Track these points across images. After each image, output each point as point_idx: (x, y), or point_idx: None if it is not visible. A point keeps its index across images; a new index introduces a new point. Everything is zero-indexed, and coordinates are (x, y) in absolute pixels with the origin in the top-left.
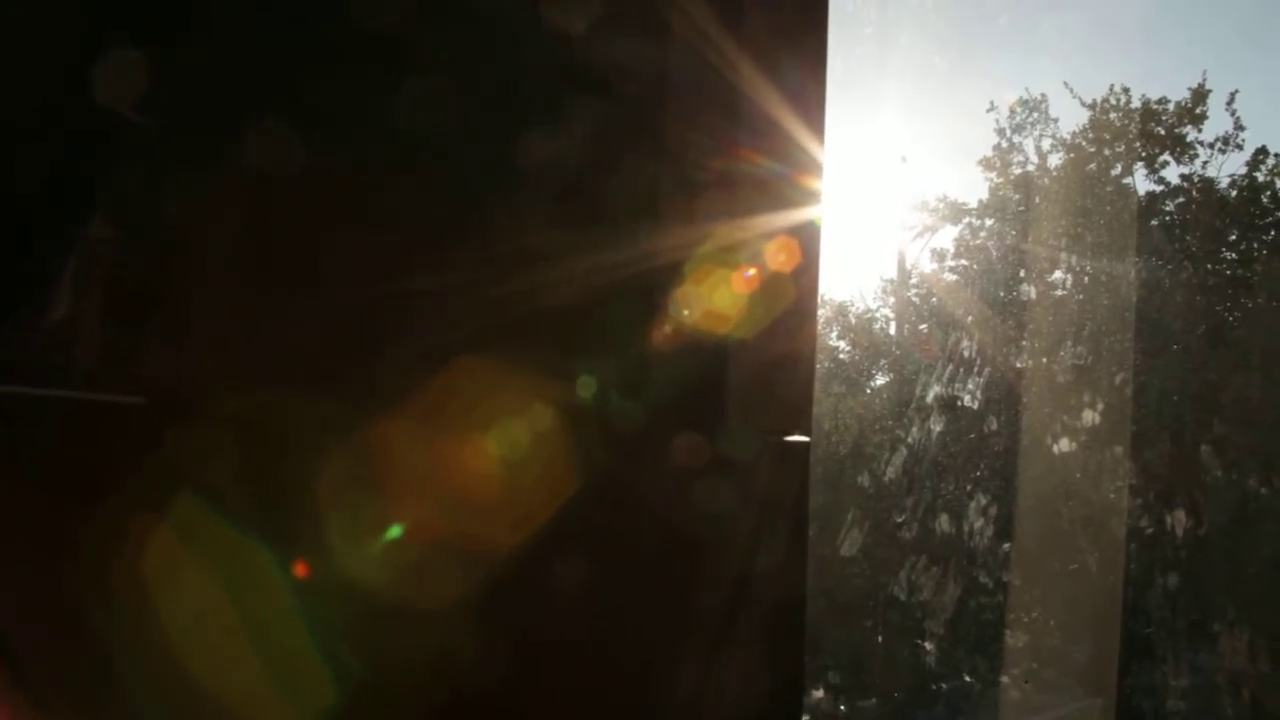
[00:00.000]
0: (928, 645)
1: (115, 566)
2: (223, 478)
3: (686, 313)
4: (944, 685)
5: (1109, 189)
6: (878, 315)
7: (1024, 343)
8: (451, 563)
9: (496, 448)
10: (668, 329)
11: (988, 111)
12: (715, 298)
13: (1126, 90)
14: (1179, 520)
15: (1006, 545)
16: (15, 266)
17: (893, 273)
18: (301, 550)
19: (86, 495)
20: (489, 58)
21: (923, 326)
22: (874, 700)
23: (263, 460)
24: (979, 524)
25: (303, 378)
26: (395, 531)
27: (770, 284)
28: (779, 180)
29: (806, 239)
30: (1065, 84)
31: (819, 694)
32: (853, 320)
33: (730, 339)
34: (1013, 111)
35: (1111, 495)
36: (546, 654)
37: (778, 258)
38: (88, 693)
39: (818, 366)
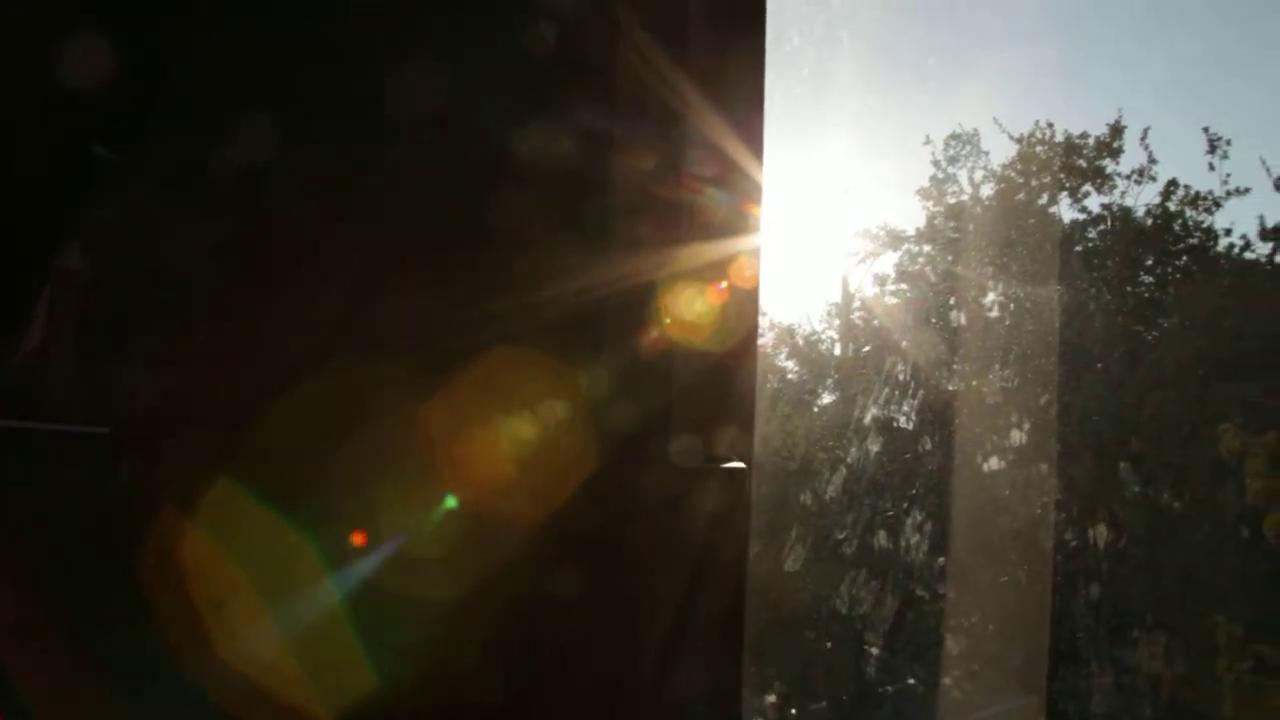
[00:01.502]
0: (871, 652)
1: (91, 591)
2: (191, 503)
3: (632, 339)
4: (889, 688)
5: (1035, 218)
6: (824, 337)
7: (956, 366)
8: (423, 571)
9: (454, 466)
10: (613, 355)
11: (924, 144)
12: (660, 323)
13: (1051, 125)
14: (1101, 533)
15: (941, 559)
16: None
17: (838, 296)
18: (278, 568)
19: (53, 524)
20: (441, 93)
21: (865, 348)
22: (824, 704)
23: (237, 483)
24: (915, 539)
25: (284, 399)
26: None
27: (713, 309)
28: (722, 208)
29: (748, 266)
30: (995, 120)
31: (770, 699)
32: (800, 342)
33: (674, 364)
34: (947, 145)
35: (1038, 510)
36: (493, 660)
37: (720, 284)
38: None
39: (767, 386)
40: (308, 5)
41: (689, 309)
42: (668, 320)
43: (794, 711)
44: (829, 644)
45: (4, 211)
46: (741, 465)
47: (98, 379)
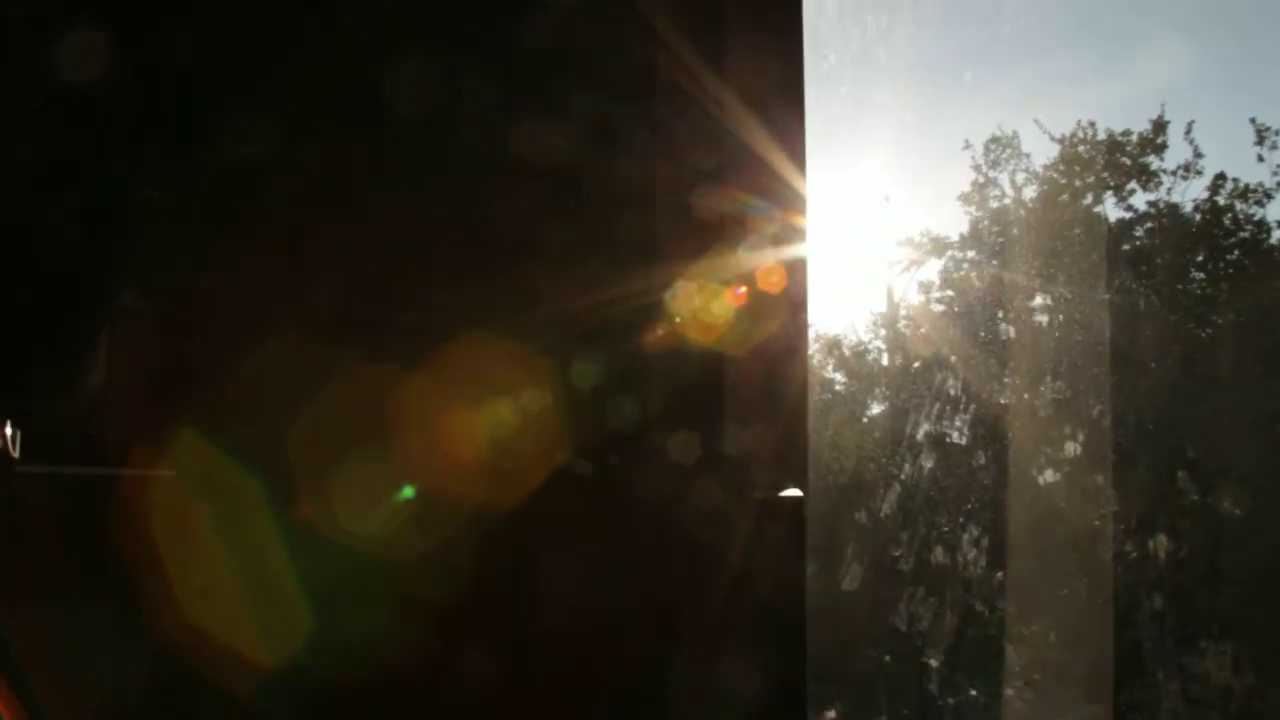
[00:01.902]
0: (931, 667)
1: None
2: (241, 541)
3: (681, 356)
4: (950, 700)
5: (1080, 218)
6: (871, 347)
7: (1006, 379)
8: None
9: (487, 477)
10: (662, 375)
11: (964, 149)
12: (706, 337)
13: (1092, 124)
14: (1161, 543)
15: (1000, 574)
16: (46, 345)
17: (883, 306)
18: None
19: (120, 564)
20: (491, 109)
21: (915, 364)
22: (884, 718)
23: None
24: (972, 554)
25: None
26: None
27: (760, 323)
28: (767, 220)
29: (795, 281)
30: (1035, 121)
31: (830, 715)
32: (847, 353)
33: (725, 387)
34: (987, 149)
35: (1096, 521)
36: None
37: (767, 302)
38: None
39: (815, 398)
40: (346, 35)
41: (735, 323)
42: (714, 334)
43: None
44: (889, 661)
45: (59, 256)
46: (799, 494)
47: (158, 423)
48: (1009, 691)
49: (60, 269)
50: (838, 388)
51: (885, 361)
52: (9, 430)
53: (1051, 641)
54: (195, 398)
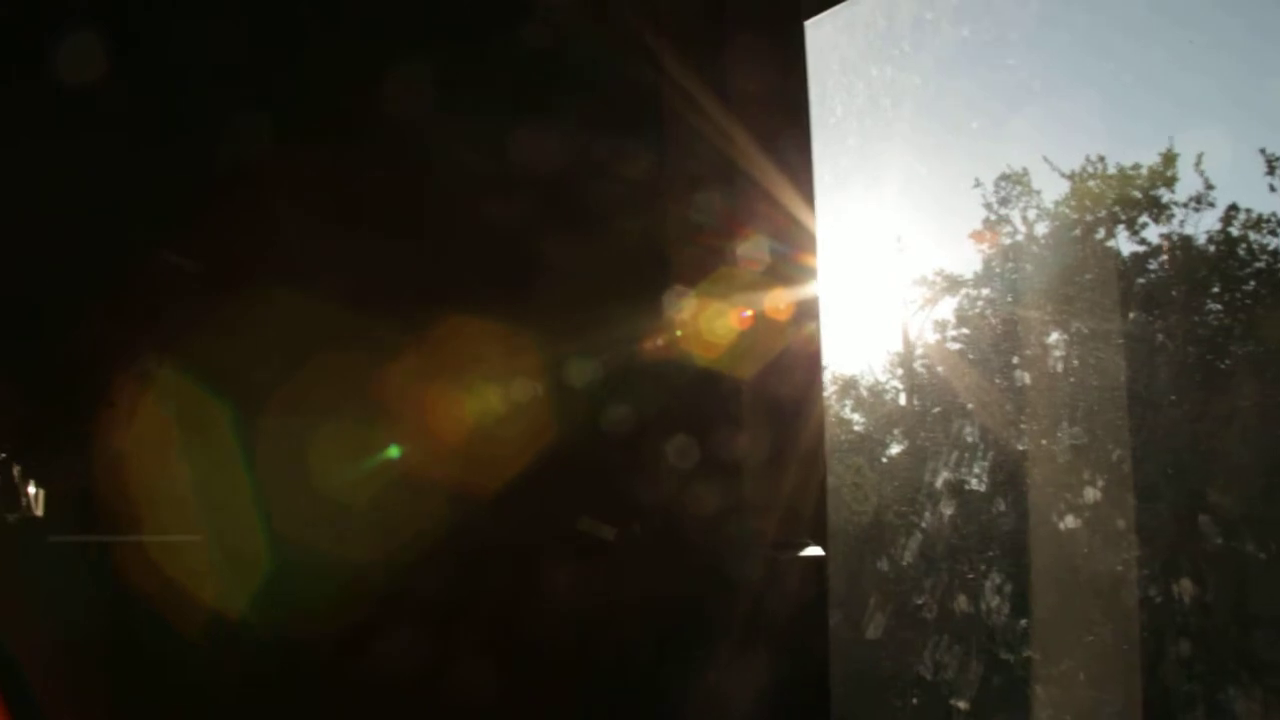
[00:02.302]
0: (956, 716)
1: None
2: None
3: (699, 405)
4: None
5: (1093, 252)
6: (888, 387)
7: (1023, 425)
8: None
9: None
10: (681, 425)
11: (974, 188)
12: (721, 392)
13: (1101, 159)
14: (1185, 588)
15: (1023, 621)
16: (75, 403)
17: (899, 345)
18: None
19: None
20: (488, 150)
21: (935, 409)
22: None
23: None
24: (995, 602)
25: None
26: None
27: (775, 375)
28: (778, 261)
29: (809, 325)
30: (1044, 158)
31: None
32: (864, 393)
33: (738, 443)
34: (997, 186)
35: (1119, 567)
36: None
37: (781, 346)
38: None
39: (834, 439)
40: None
41: (748, 369)
42: (727, 382)
43: None
44: (914, 711)
45: (84, 324)
46: (821, 553)
47: (178, 487)
48: None
49: (79, 333)
50: (856, 428)
51: (903, 401)
52: (31, 490)
53: (1077, 687)
54: (211, 456)
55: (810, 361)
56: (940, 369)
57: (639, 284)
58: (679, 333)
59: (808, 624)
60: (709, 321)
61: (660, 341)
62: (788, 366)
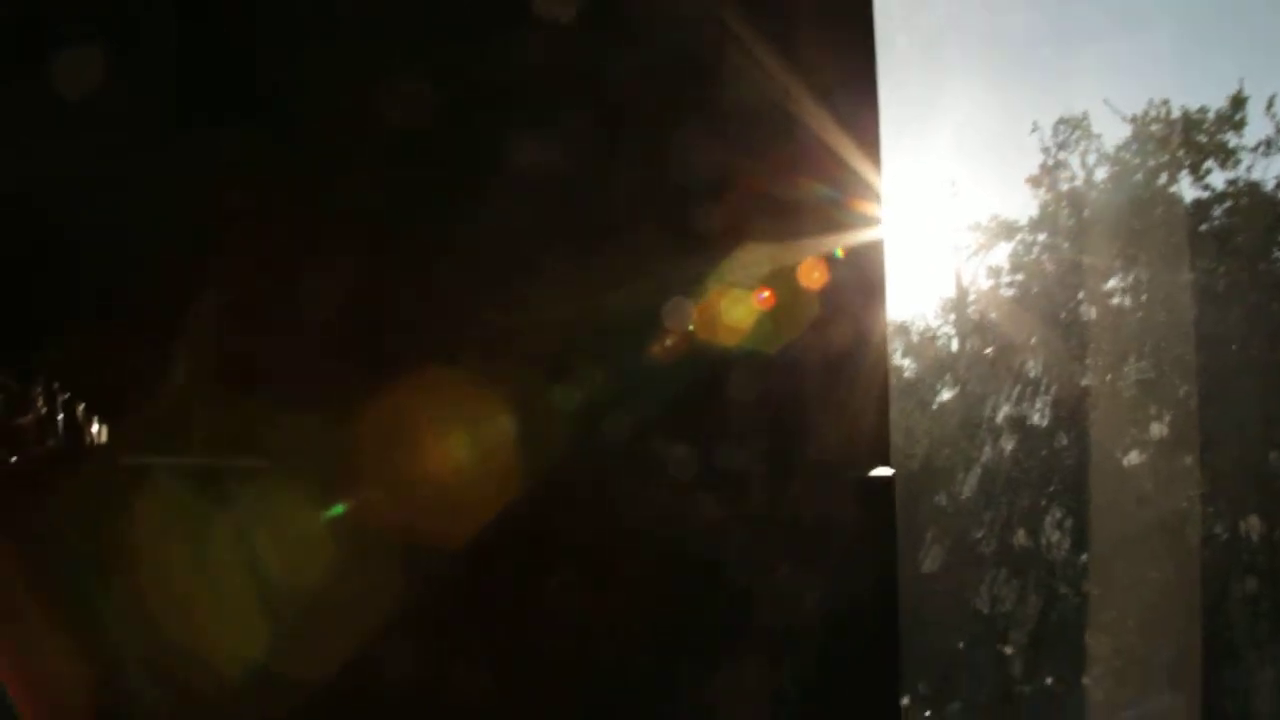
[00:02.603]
0: (1013, 650)
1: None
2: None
3: (751, 350)
4: (1027, 689)
5: (1154, 198)
6: (939, 333)
7: (1088, 360)
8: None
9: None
10: (741, 360)
11: (1031, 133)
12: (784, 331)
13: (1166, 102)
14: (1253, 525)
15: (1083, 556)
16: (133, 346)
17: (951, 291)
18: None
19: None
20: (553, 102)
21: (988, 349)
22: (958, 705)
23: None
24: (1055, 537)
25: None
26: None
27: (838, 314)
28: (840, 208)
29: (871, 265)
30: (1105, 101)
31: (905, 702)
32: (915, 339)
33: (799, 373)
34: (1056, 130)
35: (1184, 503)
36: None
37: (843, 287)
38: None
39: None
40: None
41: (811, 309)
42: (792, 320)
43: (928, 714)
44: (970, 644)
45: (147, 257)
46: (889, 473)
47: (242, 416)
48: (1086, 680)
49: (141, 273)
50: (907, 374)
51: (954, 347)
52: (96, 424)
53: (1134, 626)
54: (266, 391)
55: (874, 293)
56: (994, 314)
57: (710, 228)
58: (745, 275)
59: (877, 542)
60: (773, 264)
61: (726, 284)
62: (852, 300)
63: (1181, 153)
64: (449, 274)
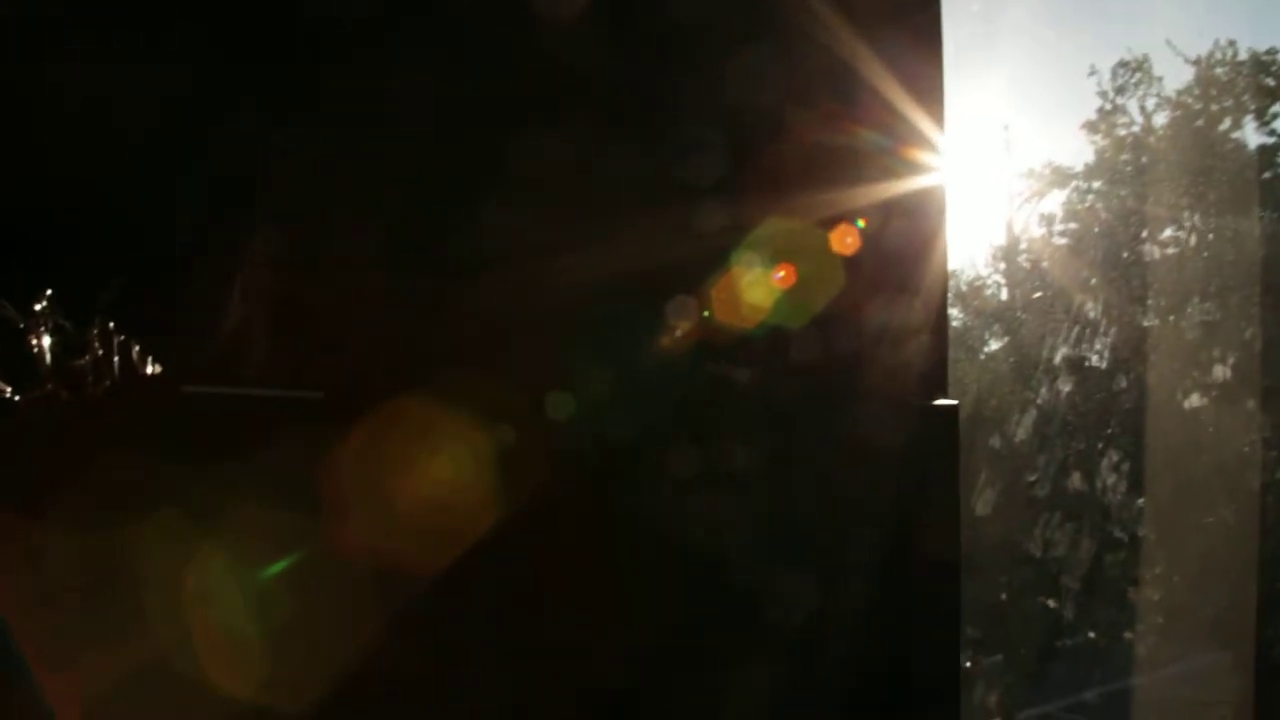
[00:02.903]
0: (1060, 600)
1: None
2: (389, 459)
3: (816, 284)
4: (1069, 642)
5: (1218, 144)
6: (989, 282)
7: (1149, 301)
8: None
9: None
10: (798, 300)
11: (1089, 76)
12: (845, 267)
13: (1233, 43)
14: None
15: (1140, 500)
16: (189, 280)
17: (1001, 240)
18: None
19: (275, 477)
20: (618, 47)
21: (1037, 294)
22: (1000, 657)
23: (421, 444)
24: (1111, 480)
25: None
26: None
27: (899, 252)
28: (902, 152)
29: (933, 206)
30: (1168, 42)
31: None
32: (964, 288)
33: (863, 308)
34: (1114, 74)
35: (1245, 449)
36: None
37: (906, 225)
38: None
39: None
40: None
41: (874, 248)
42: (853, 265)
43: (968, 664)
44: (1020, 589)
45: (197, 201)
46: (954, 403)
47: (292, 351)
48: (1133, 634)
49: (199, 217)
50: (955, 323)
51: (1004, 296)
52: (153, 363)
53: (1188, 576)
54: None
55: (934, 232)
56: (1045, 262)
57: (762, 183)
58: (810, 223)
59: (941, 471)
60: (837, 207)
61: (794, 227)
62: (913, 242)
63: (1247, 97)
64: (505, 213)
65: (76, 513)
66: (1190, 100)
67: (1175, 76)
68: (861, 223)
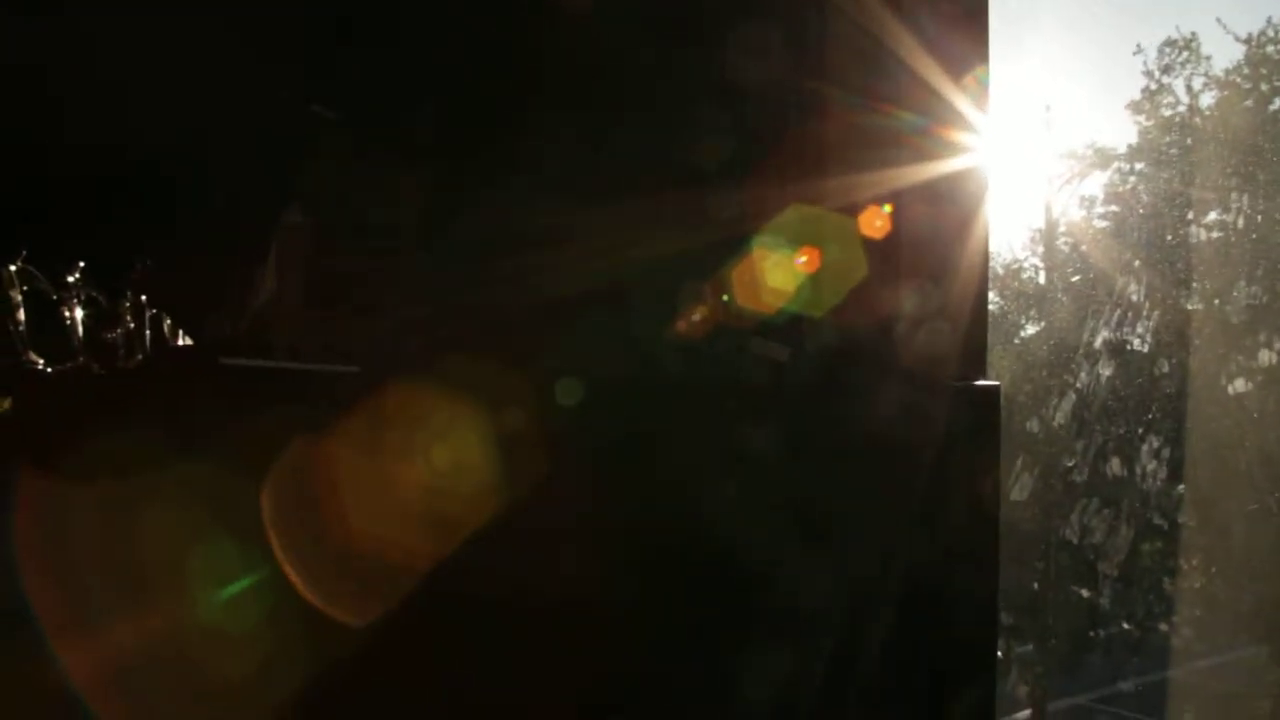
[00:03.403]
0: (1096, 589)
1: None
2: (423, 433)
3: (850, 267)
4: (1104, 632)
5: (1270, 124)
6: (1026, 265)
7: (1193, 285)
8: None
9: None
10: (833, 282)
11: (1134, 54)
12: (884, 248)
13: None
14: None
15: (1180, 487)
16: (224, 254)
17: (1039, 223)
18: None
19: (310, 449)
20: (655, 30)
21: (1075, 277)
22: (1031, 646)
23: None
24: (1151, 466)
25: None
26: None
27: (939, 233)
28: (945, 132)
29: (975, 186)
30: (1218, 20)
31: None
32: (1000, 271)
33: (901, 290)
34: (1161, 52)
35: None
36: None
37: (947, 206)
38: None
39: None
40: None
41: (915, 229)
42: (892, 245)
43: (999, 654)
44: (1056, 576)
45: (233, 169)
46: (995, 384)
47: (325, 326)
48: (1169, 625)
49: (235, 186)
50: (991, 308)
51: (1042, 280)
52: (185, 336)
53: (1228, 567)
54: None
55: (973, 216)
56: (1084, 246)
57: (800, 165)
58: (847, 206)
59: (980, 454)
60: (877, 190)
61: (830, 211)
62: (953, 222)
63: None
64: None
65: (101, 485)
66: (1239, 80)
67: (1224, 56)
68: (898, 205)
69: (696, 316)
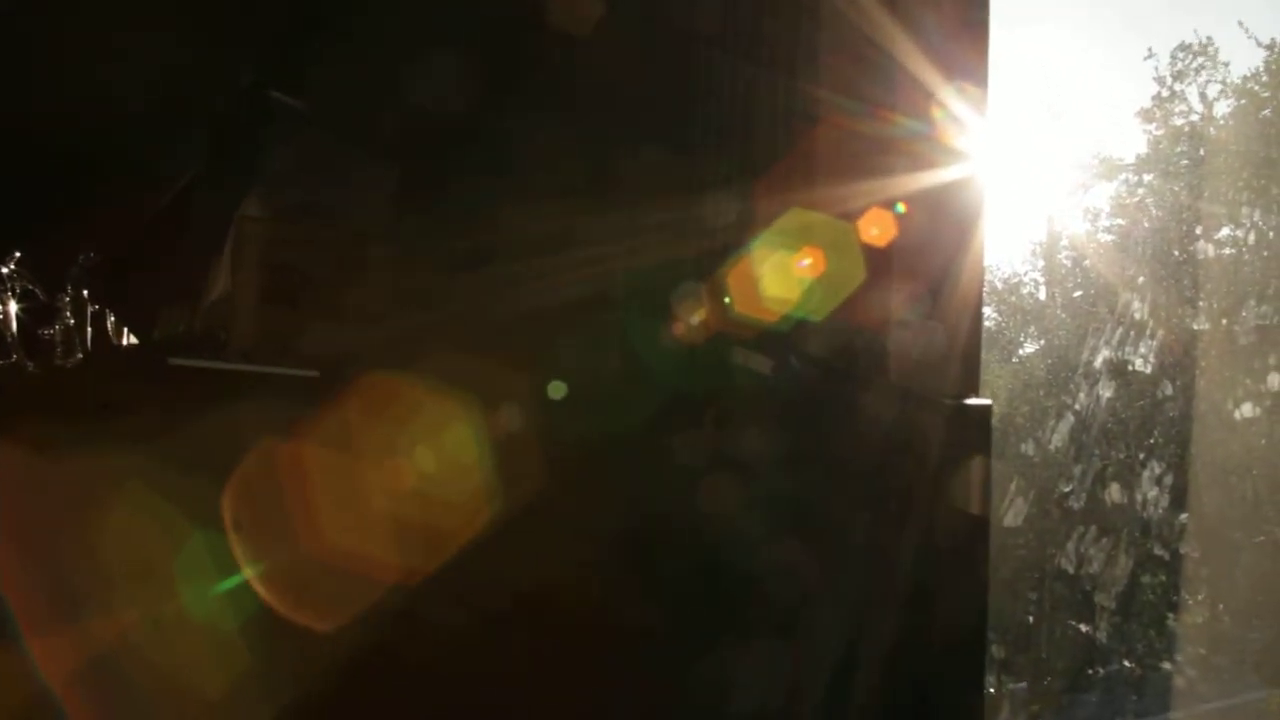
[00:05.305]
0: (1094, 623)
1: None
2: (383, 437)
3: (844, 275)
4: (1101, 670)
5: None
6: (1025, 280)
7: (1200, 303)
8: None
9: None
10: (828, 293)
11: (1145, 59)
12: (875, 258)
13: None
14: None
15: (1183, 516)
16: (177, 251)
17: (1040, 235)
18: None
19: (265, 453)
20: (641, 37)
21: (1077, 293)
22: (1024, 684)
23: (417, 422)
24: (1153, 494)
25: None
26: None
27: (932, 244)
28: (938, 142)
29: (971, 197)
30: (1240, 24)
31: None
32: (998, 285)
33: (893, 299)
34: (1173, 58)
35: None
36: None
37: (942, 217)
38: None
39: None
40: None
41: (906, 240)
42: (889, 251)
43: (990, 690)
44: (1051, 607)
45: (187, 170)
46: (987, 402)
47: (282, 328)
48: (1167, 665)
49: (189, 182)
50: (988, 323)
51: (1042, 295)
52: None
53: (1234, 604)
54: (309, 302)
55: (970, 227)
56: (1088, 260)
57: (794, 172)
58: (843, 213)
59: (971, 474)
60: (871, 198)
61: (825, 217)
62: (948, 234)
63: None
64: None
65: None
66: (1257, 88)
67: (1242, 62)
68: (901, 207)
69: (687, 324)
